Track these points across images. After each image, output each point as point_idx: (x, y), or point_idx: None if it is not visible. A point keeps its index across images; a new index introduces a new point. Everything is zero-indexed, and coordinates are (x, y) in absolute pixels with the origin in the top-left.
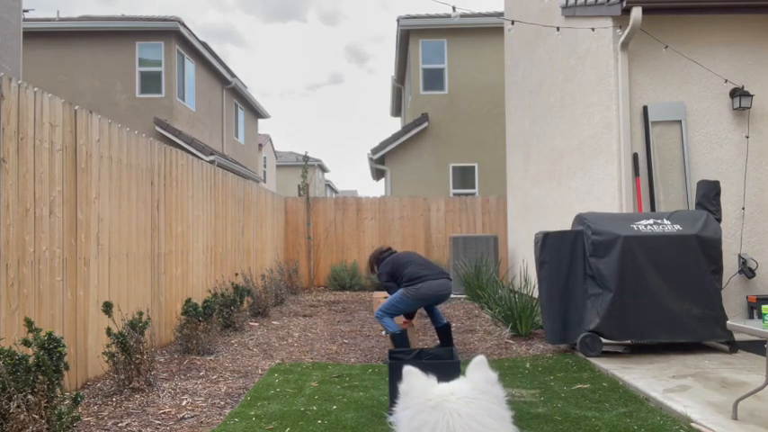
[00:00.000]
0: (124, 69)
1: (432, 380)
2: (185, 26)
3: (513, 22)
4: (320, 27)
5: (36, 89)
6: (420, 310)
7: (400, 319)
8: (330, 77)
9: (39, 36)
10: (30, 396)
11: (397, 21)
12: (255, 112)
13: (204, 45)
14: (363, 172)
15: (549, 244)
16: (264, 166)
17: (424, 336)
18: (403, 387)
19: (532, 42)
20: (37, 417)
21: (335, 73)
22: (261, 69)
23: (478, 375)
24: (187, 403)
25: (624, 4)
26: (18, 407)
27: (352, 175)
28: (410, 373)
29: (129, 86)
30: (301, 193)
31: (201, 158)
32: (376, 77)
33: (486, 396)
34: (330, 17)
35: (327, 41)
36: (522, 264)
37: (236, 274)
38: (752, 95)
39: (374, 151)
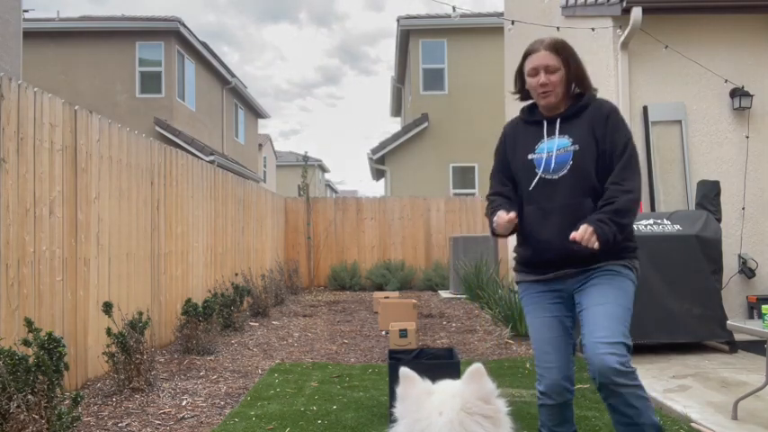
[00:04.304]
0: (124, 69)
1: (427, 385)
2: (185, 26)
3: (513, 22)
4: (313, 27)
5: (36, 89)
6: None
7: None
8: (325, 78)
9: (39, 36)
10: (30, 396)
11: (397, 21)
12: (255, 112)
13: (204, 45)
14: (363, 172)
15: None
16: (264, 166)
17: (423, 336)
18: (399, 391)
19: None
20: (37, 417)
21: (331, 73)
22: (256, 70)
23: (472, 391)
24: (187, 403)
25: (624, 4)
26: (18, 407)
27: (352, 176)
28: (406, 377)
29: (129, 86)
30: (301, 193)
31: (201, 158)
32: (373, 77)
33: (475, 418)
34: (322, 18)
35: (321, 42)
36: None
37: (236, 274)
38: (752, 95)
39: (374, 151)
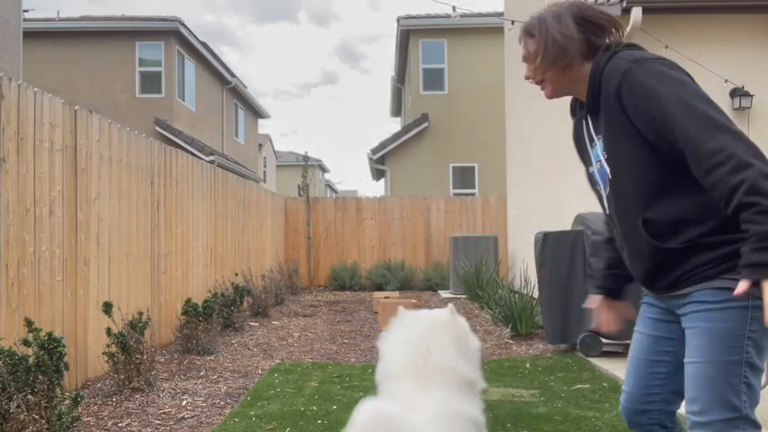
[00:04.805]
0: (124, 69)
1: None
2: (185, 26)
3: (513, 22)
4: (312, 27)
5: (36, 89)
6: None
7: None
8: (324, 77)
9: (39, 36)
10: (30, 396)
11: (397, 21)
12: (255, 112)
13: (204, 45)
14: (363, 172)
15: (549, 244)
16: (264, 166)
17: None
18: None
19: None
20: (37, 417)
21: (330, 73)
22: (255, 70)
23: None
24: (187, 403)
25: (624, 4)
26: (18, 407)
27: (352, 176)
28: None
29: (129, 86)
30: (301, 193)
31: (201, 158)
32: (371, 77)
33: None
34: (321, 18)
35: (320, 41)
36: (522, 264)
37: (236, 274)
38: (752, 95)
39: (374, 151)
